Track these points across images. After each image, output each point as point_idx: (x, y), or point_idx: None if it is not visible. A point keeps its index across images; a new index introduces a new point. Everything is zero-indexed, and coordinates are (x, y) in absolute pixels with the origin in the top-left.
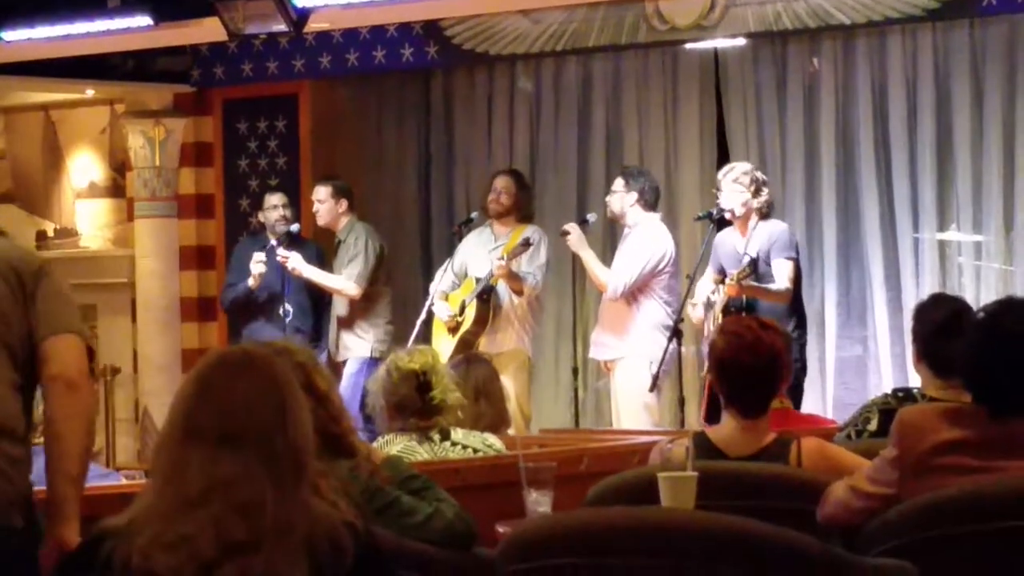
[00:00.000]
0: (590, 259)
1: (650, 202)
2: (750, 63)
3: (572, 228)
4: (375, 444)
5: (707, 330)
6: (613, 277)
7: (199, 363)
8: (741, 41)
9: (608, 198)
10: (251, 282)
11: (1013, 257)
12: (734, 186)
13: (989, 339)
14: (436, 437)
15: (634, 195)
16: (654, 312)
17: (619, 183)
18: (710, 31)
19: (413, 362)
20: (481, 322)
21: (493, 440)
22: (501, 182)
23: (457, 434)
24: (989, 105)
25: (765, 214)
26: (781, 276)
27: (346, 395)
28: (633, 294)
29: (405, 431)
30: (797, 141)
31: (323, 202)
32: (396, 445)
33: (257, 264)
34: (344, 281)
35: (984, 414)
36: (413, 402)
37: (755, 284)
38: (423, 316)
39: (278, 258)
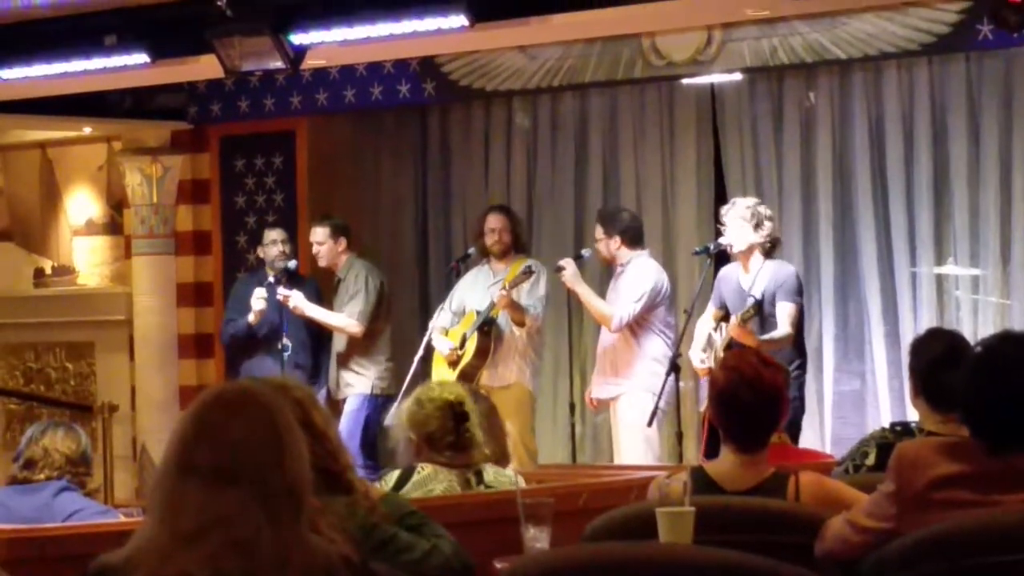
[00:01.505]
0: (587, 294)
1: (634, 238)
2: (746, 98)
3: (567, 264)
4: (415, 476)
5: (709, 369)
6: (614, 311)
7: (196, 400)
8: (737, 76)
9: (596, 246)
10: (251, 318)
11: (1010, 291)
12: (738, 221)
13: (987, 373)
14: (472, 479)
15: (617, 239)
16: (655, 346)
17: (599, 231)
18: (706, 66)
19: (447, 392)
20: (482, 354)
21: (520, 481)
22: (498, 221)
23: (488, 474)
24: (985, 139)
25: (769, 251)
26: (783, 320)
27: (346, 432)
28: (632, 329)
29: (445, 466)
30: (794, 175)
31: (322, 243)
32: (440, 483)
33: (258, 300)
34: (346, 319)
35: (982, 448)
36: (447, 434)
37: (761, 338)
38: (421, 352)
39: (279, 296)
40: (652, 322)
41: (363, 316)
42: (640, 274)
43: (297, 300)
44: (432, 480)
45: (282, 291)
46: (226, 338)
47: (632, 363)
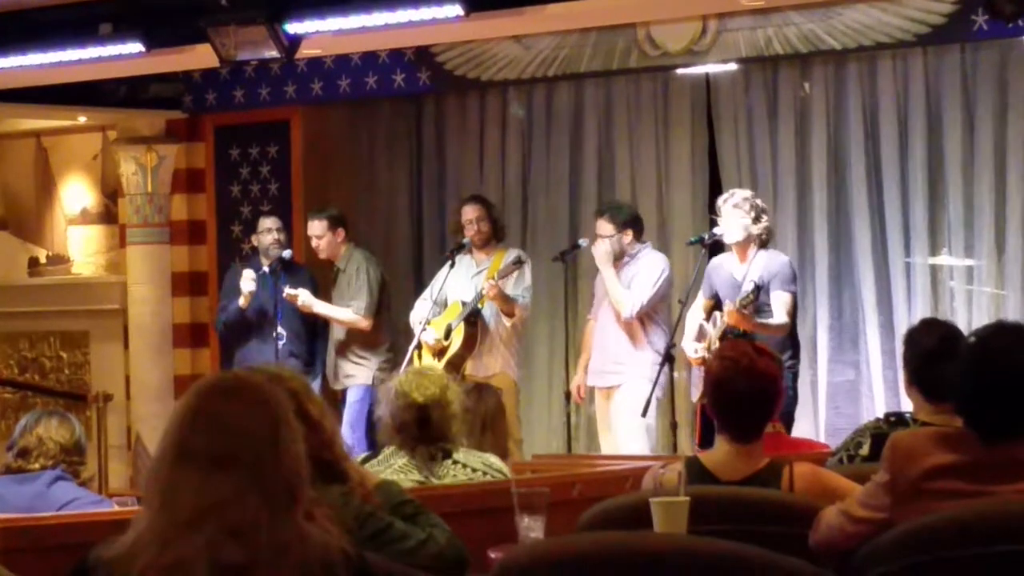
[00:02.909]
0: (611, 276)
1: (641, 230)
2: (741, 88)
3: (601, 242)
4: (380, 454)
5: (703, 359)
6: (630, 298)
7: (192, 388)
8: (732, 66)
9: (600, 245)
10: (241, 301)
11: (1005, 281)
12: (734, 211)
13: (980, 363)
14: (439, 455)
15: (629, 232)
16: (658, 336)
17: (606, 227)
18: (701, 56)
19: (419, 393)
20: (469, 345)
21: (494, 460)
22: (474, 212)
23: (459, 453)
24: (980, 129)
25: (764, 242)
26: (779, 309)
27: (350, 423)
28: (640, 319)
29: (407, 448)
30: (788, 165)
31: (321, 237)
32: (400, 458)
33: (248, 282)
34: (353, 314)
35: (976, 438)
36: (412, 431)
37: (757, 321)
38: (415, 343)
39: (285, 295)
40: (658, 311)
41: (369, 310)
42: (650, 265)
43: (305, 297)
44: (394, 456)
45: (289, 290)
46: (219, 326)
47: (635, 353)
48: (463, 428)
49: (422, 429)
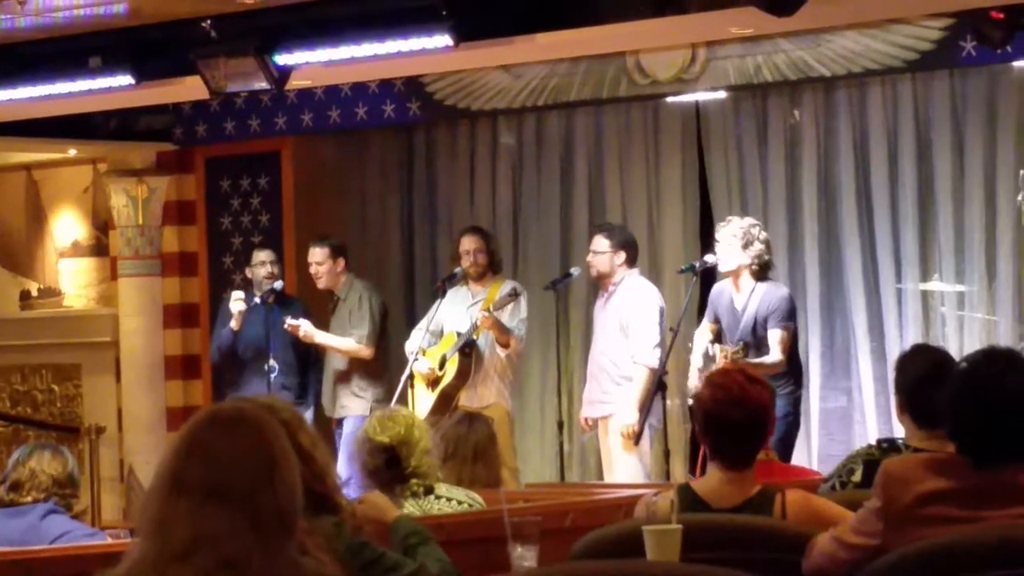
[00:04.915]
0: (637, 395)
1: (632, 257)
2: (731, 115)
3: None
4: None
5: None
6: (645, 356)
7: (191, 419)
8: (722, 94)
9: (591, 259)
10: (233, 324)
11: (996, 307)
12: (728, 240)
13: (971, 389)
14: (420, 491)
15: (622, 254)
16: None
17: (603, 243)
18: (691, 84)
19: (384, 435)
20: (463, 376)
21: (474, 495)
22: (473, 243)
23: (441, 488)
24: (970, 155)
25: (758, 273)
26: (775, 347)
27: (346, 454)
28: (627, 348)
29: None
30: (779, 192)
31: (322, 264)
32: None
33: (236, 303)
34: (355, 344)
35: (968, 464)
36: (384, 473)
37: (752, 362)
38: (407, 372)
39: (287, 327)
40: None
41: (371, 339)
42: (641, 298)
43: (307, 328)
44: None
45: (291, 321)
46: (214, 354)
47: (623, 382)
48: (433, 469)
49: (393, 469)
